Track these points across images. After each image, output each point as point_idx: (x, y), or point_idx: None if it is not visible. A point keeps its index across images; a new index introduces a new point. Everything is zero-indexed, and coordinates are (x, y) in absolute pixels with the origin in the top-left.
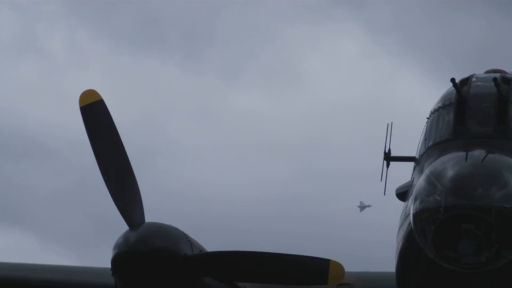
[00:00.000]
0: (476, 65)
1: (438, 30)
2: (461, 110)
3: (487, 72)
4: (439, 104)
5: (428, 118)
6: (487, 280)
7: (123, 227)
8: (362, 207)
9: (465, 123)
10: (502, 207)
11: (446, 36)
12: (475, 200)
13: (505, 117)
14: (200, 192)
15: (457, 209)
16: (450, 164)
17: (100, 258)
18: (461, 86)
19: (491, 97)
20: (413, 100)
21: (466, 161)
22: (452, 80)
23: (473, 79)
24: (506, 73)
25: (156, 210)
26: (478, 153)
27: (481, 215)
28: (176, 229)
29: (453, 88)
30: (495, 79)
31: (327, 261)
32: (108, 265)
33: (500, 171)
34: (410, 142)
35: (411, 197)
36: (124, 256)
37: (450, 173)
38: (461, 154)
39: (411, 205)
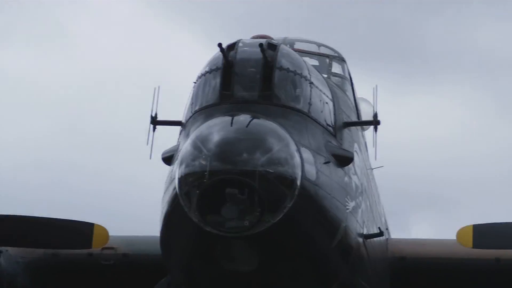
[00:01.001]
0: (247, 31)
1: None
2: (227, 75)
3: (253, 37)
4: (206, 69)
5: (195, 83)
6: (251, 244)
7: None
8: None
9: (231, 88)
10: (266, 172)
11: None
12: (240, 164)
13: (270, 82)
14: None
15: (221, 174)
16: (215, 128)
17: None
18: (228, 51)
19: (257, 62)
20: (185, 65)
21: (231, 126)
22: (219, 45)
23: (240, 44)
24: (272, 39)
25: None
26: (243, 118)
27: (245, 179)
28: None
29: (220, 53)
30: (261, 45)
31: (91, 225)
32: None
33: (264, 136)
34: (180, 107)
35: (176, 161)
36: None
37: (215, 137)
38: (227, 119)
39: (176, 169)
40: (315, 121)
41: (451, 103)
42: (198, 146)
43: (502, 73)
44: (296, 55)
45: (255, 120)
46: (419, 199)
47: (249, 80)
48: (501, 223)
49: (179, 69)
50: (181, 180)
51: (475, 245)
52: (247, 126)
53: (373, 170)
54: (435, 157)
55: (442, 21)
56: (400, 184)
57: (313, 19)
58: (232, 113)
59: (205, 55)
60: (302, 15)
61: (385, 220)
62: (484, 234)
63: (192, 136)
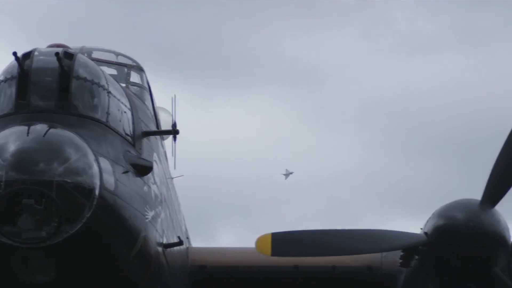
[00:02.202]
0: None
1: None
2: (23, 84)
3: (50, 46)
4: (1, 78)
5: None
6: (48, 255)
7: None
8: None
9: (27, 97)
10: (63, 182)
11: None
12: (36, 174)
13: (67, 92)
14: None
15: (17, 184)
16: (12, 138)
17: None
18: (24, 60)
19: (53, 71)
20: None
21: (28, 135)
22: (14, 53)
23: (36, 53)
24: (69, 48)
25: None
26: (40, 128)
27: (41, 189)
28: None
29: (15, 61)
30: (57, 54)
31: None
32: None
33: (61, 146)
34: None
35: None
36: None
37: (11, 147)
38: (23, 128)
39: None
40: (114, 130)
41: (255, 110)
42: None
43: (304, 82)
44: (93, 64)
45: (52, 130)
46: (222, 207)
47: (45, 89)
48: (298, 231)
49: None
50: None
51: (273, 253)
52: (44, 136)
53: (174, 179)
54: (239, 164)
55: (249, 32)
56: (204, 192)
57: (112, 29)
58: (29, 122)
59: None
60: (104, 24)
61: (186, 229)
62: (282, 242)
63: None
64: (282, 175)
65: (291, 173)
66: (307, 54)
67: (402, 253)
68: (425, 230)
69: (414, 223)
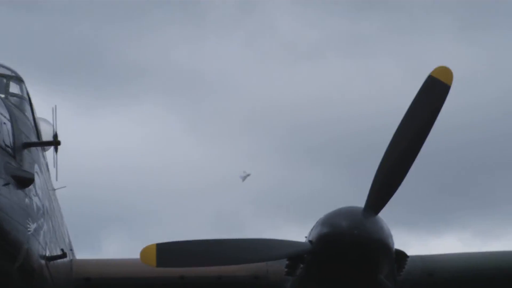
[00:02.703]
0: None
1: None
2: None
3: None
4: None
5: None
6: None
7: None
8: None
9: None
10: None
11: None
12: None
13: None
14: None
15: None
16: None
17: None
18: None
19: None
20: None
21: None
22: None
23: None
24: None
25: None
26: None
27: None
28: None
29: None
30: None
31: None
32: None
33: None
34: None
35: None
36: None
37: None
38: None
39: None
40: None
41: (141, 120)
42: None
43: (191, 91)
44: None
45: None
46: (108, 218)
47: None
48: (183, 241)
49: None
50: None
51: (158, 264)
52: None
53: (56, 190)
54: (124, 173)
55: (139, 42)
56: (89, 203)
57: None
58: None
59: None
60: None
61: (70, 241)
62: (167, 252)
63: None
64: (239, 178)
65: (248, 175)
66: (194, 64)
67: (287, 262)
68: (310, 238)
69: (300, 231)
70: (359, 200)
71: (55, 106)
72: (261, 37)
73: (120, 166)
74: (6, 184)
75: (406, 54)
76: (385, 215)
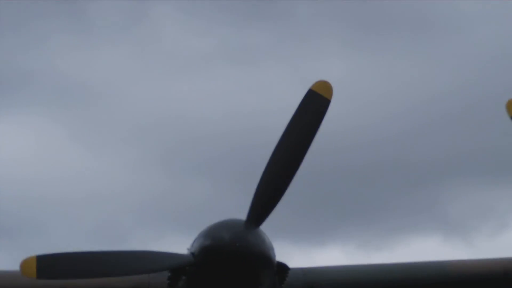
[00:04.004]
0: None
1: None
2: None
3: None
4: None
5: None
6: None
7: None
8: None
9: None
10: None
11: None
12: None
13: None
14: None
15: None
16: None
17: None
18: None
19: None
20: None
21: None
22: None
23: None
24: None
25: None
26: None
27: None
28: None
29: None
30: None
31: None
32: None
33: None
34: None
35: None
36: None
37: None
38: None
39: None
40: None
41: (24, 129)
42: None
43: (76, 102)
44: None
45: None
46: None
47: None
48: (64, 253)
49: None
50: None
51: (39, 276)
52: None
53: None
54: (7, 184)
55: (27, 50)
56: None
57: None
58: None
59: None
60: None
61: None
62: (47, 264)
63: None
64: None
65: None
66: (81, 73)
67: (169, 274)
68: (192, 250)
69: (185, 242)
70: (245, 213)
71: None
72: (148, 46)
73: (0, 175)
74: None
75: (293, 63)
76: (268, 226)
